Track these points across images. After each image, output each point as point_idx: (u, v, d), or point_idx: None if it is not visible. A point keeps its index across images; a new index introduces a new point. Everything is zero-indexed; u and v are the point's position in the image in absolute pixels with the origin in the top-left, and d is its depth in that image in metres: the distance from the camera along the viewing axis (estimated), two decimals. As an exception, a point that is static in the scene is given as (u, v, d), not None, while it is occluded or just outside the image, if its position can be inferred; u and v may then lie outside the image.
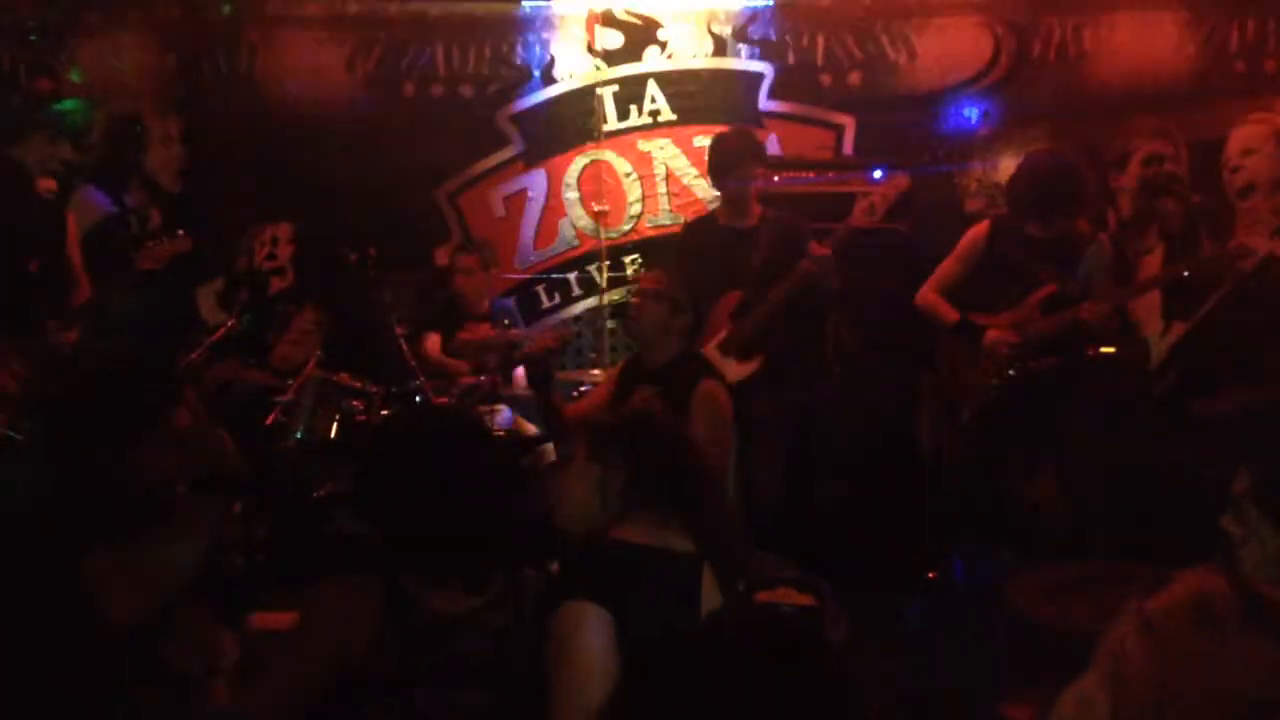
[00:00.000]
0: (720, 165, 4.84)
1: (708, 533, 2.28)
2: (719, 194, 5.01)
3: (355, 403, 4.70)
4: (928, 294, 4.69)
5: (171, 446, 2.53)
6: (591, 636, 2.08)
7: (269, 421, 4.57)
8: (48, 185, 5.54)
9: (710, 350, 4.52)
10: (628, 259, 6.00)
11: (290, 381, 4.64)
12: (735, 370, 4.47)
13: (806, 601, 2.29)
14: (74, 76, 5.83)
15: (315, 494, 4.48)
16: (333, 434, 4.64)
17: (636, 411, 2.49)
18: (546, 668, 2.10)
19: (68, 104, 5.82)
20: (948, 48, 5.78)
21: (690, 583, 2.23)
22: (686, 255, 4.90)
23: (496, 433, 4.86)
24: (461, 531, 2.16)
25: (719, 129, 5.56)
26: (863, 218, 4.47)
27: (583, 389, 4.96)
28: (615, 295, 5.91)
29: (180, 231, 4.54)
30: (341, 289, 5.41)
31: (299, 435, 4.61)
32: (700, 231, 4.98)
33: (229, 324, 4.71)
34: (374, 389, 4.77)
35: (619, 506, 2.28)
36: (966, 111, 5.72)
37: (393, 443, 2.36)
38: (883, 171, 5.01)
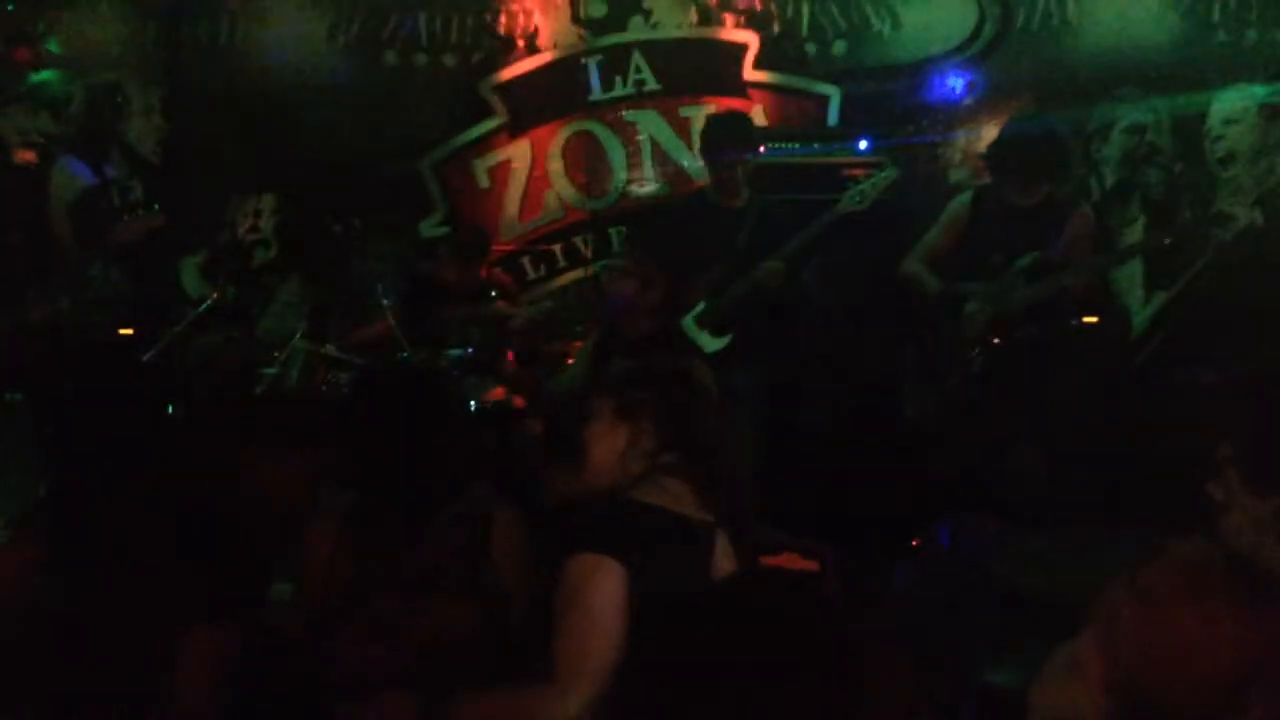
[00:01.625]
0: (712, 146, 4.79)
1: (724, 498, 2.31)
2: (706, 169, 4.99)
3: (341, 374, 4.70)
4: (911, 264, 4.71)
5: None
6: (604, 589, 2.11)
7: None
8: (27, 157, 5.50)
9: (688, 322, 4.55)
10: (613, 230, 6.00)
11: (276, 354, 4.63)
12: (706, 344, 4.50)
13: (810, 566, 2.32)
14: (52, 46, 5.77)
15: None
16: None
17: (675, 368, 2.49)
18: (555, 614, 2.14)
19: (46, 74, 5.76)
20: (932, 17, 5.78)
21: (705, 549, 2.27)
22: (673, 231, 4.88)
23: (484, 404, 4.88)
24: (396, 461, 2.46)
25: (704, 99, 5.58)
26: (851, 205, 4.47)
27: (569, 361, 4.98)
28: (601, 266, 5.92)
29: (155, 206, 4.52)
30: (325, 260, 5.39)
31: (286, 407, 4.60)
32: (688, 208, 4.97)
33: (213, 297, 4.69)
34: (359, 361, 4.77)
35: (641, 469, 2.30)
36: (951, 81, 5.72)
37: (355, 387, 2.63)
38: (869, 143, 5.02)
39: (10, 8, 5.69)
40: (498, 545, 2.47)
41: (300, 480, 2.63)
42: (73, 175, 5.30)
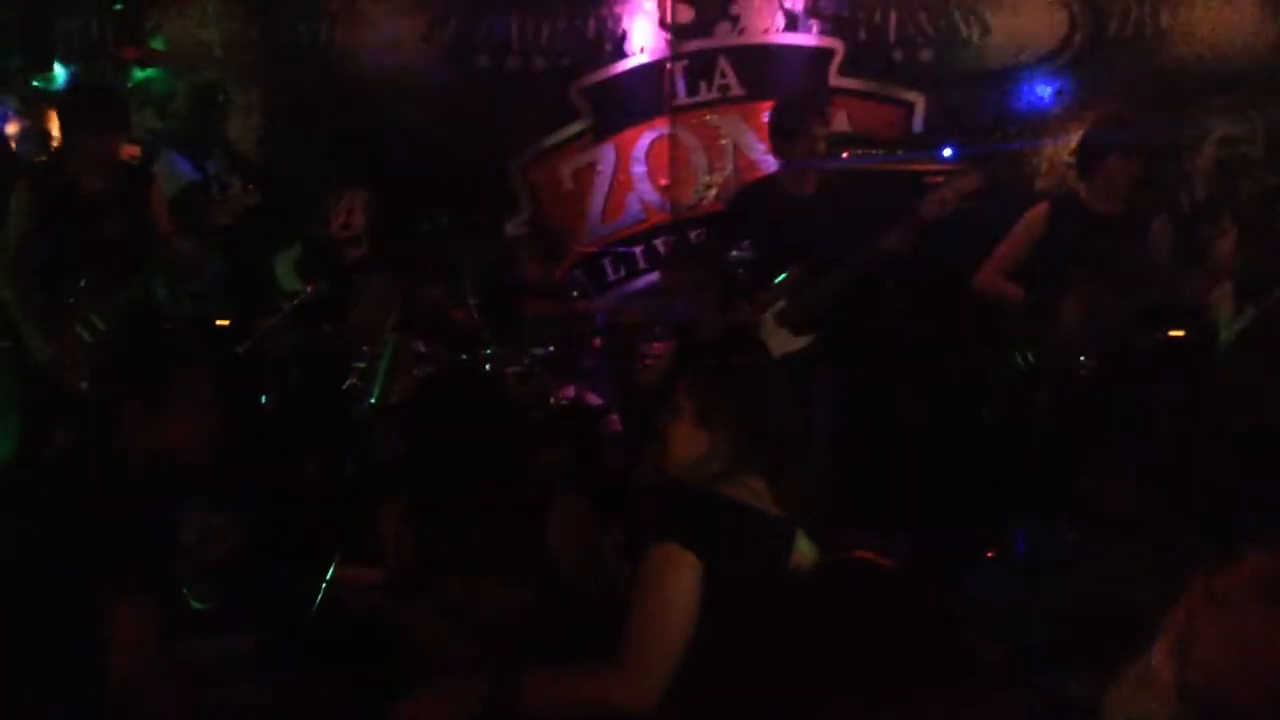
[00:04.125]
0: (782, 128, 4.79)
1: (802, 496, 2.36)
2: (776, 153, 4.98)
3: (428, 369, 4.80)
4: (988, 276, 4.69)
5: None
6: (680, 580, 2.17)
7: (344, 386, 4.69)
8: (131, 151, 5.70)
9: (768, 318, 4.58)
10: (694, 234, 6.05)
11: (366, 348, 4.75)
12: (786, 342, 4.51)
13: (885, 564, 2.36)
14: (158, 45, 5.98)
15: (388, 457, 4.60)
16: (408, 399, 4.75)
17: (748, 369, 2.55)
18: (630, 602, 2.21)
19: (152, 72, 5.97)
20: (1022, 24, 5.73)
21: (783, 545, 2.32)
22: (743, 219, 4.89)
23: (560, 402, 4.96)
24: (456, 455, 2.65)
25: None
26: (934, 211, 4.43)
27: (647, 362, 5.04)
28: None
29: (251, 186, 4.65)
30: (415, 257, 5.51)
31: (373, 400, 4.72)
32: (759, 196, 4.94)
33: (307, 290, 4.83)
34: (446, 356, 4.87)
35: (722, 469, 2.36)
36: (1040, 90, 5.68)
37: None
38: (953, 151, 5.00)
39: (118, 7, 5.91)
40: (556, 530, 2.56)
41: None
42: (175, 170, 5.49)
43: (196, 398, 2.54)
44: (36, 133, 5.52)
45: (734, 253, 4.60)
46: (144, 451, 2.45)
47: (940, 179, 4.69)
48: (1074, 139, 5.56)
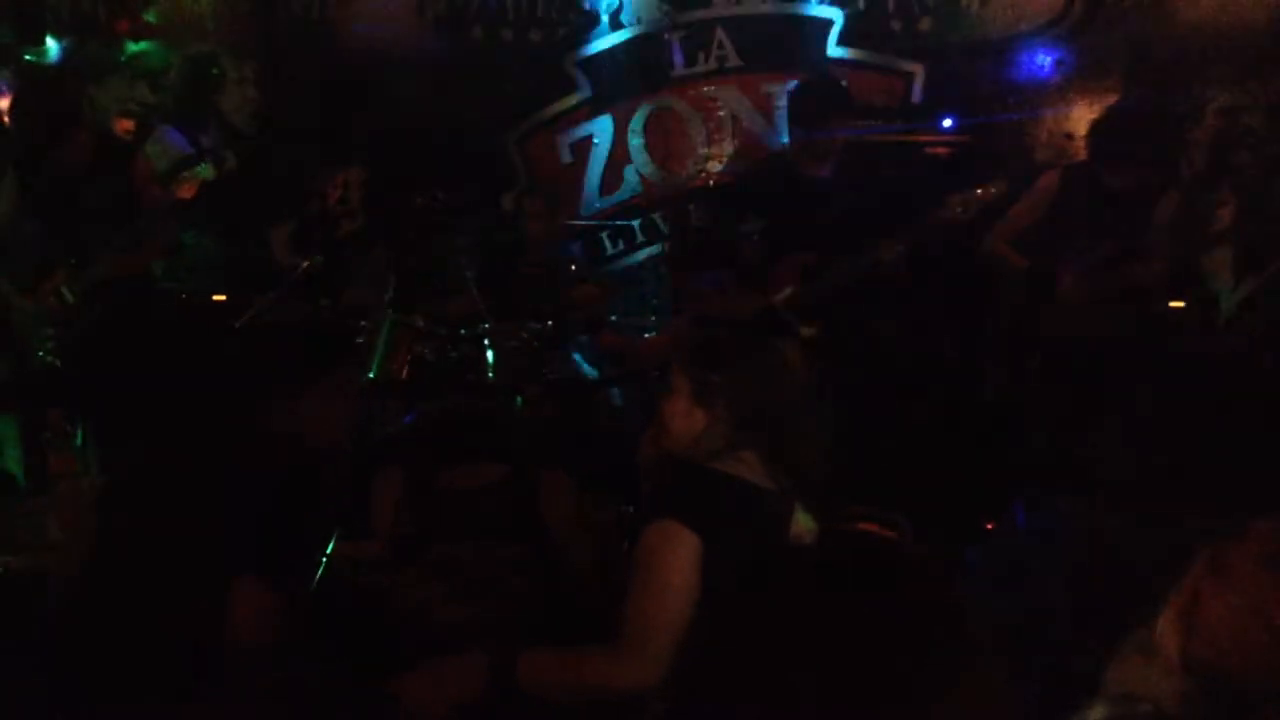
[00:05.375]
0: (805, 116, 4.66)
1: (800, 471, 2.35)
2: (788, 142, 4.92)
3: (426, 344, 4.79)
4: (996, 241, 4.67)
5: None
6: (678, 557, 2.17)
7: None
8: (125, 125, 5.67)
9: (778, 303, 4.54)
10: (692, 206, 6.01)
11: (363, 323, 4.73)
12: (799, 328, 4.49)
13: (889, 536, 2.35)
14: (151, 18, 5.93)
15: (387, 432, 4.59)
16: (404, 374, 4.74)
17: (744, 345, 2.53)
18: (628, 581, 2.21)
19: (145, 45, 5.92)
20: (1021, -7, 5.69)
21: (782, 521, 2.31)
22: (753, 197, 4.82)
23: (561, 375, 4.95)
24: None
25: (787, 76, 5.53)
26: (954, 215, 4.35)
27: (647, 335, 5.03)
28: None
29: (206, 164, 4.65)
30: (410, 232, 5.49)
31: (371, 375, 4.71)
32: (771, 175, 4.87)
33: (304, 265, 4.80)
34: (443, 331, 4.85)
35: (720, 445, 2.35)
36: (1040, 59, 5.64)
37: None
38: (953, 121, 4.95)
39: (112, -21, 5.86)
40: (545, 504, 2.59)
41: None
42: (168, 144, 5.45)
43: (345, 385, 2.62)
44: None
45: (742, 230, 4.54)
46: (288, 435, 2.48)
47: (942, 151, 4.65)
48: (1074, 110, 5.54)
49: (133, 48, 5.89)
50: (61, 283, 4.44)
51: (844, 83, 4.99)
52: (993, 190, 4.37)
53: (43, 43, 5.77)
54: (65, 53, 5.76)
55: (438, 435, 2.73)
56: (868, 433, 4.69)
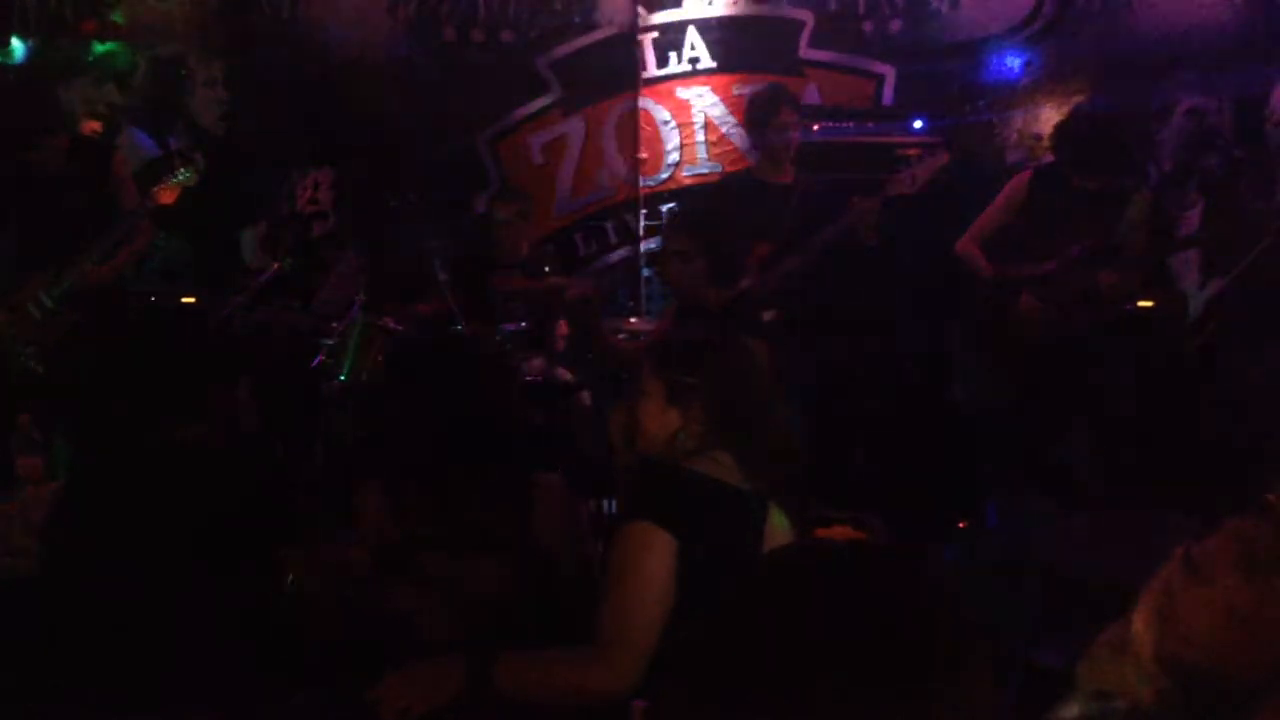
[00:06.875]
0: (755, 118, 4.88)
1: (774, 472, 2.35)
2: (753, 144, 5.03)
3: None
4: (967, 243, 4.71)
5: None
6: (655, 559, 2.16)
7: (314, 364, 4.65)
8: (93, 127, 5.61)
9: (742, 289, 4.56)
10: (665, 207, 6.02)
11: (335, 325, 4.71)
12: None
13: (861, 538, 2.36)
14: (118, 18, 5.87)
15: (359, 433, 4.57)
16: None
17: (713, 345, 2.52)
18: (604, 581, 2.20)
19: (112, 46, 5.86)
20: (991, -4, 5.73)
21: (757, 521, 2.31)
22: (722, 210, 4.91)
23: (532, 379, 4.93)
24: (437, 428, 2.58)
25: (759, 77, 5.55)
26: (901, 188, 4.45)
27: (620, 336, 5.01)
28: (652, 244, 5.94)
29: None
30: (382, 233, 5.46)
31: (343, 377, 4.69)
32: (736, 187, 5.01)
33: (274, 267, 4.78)
34: (415, 334, 4.84)
35: (694, 446, 2.34)
36: (1009, 61, 5.68)
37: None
38: (924, 123, 4.99)
39: (78, -20, 5.79)
40: (540, 511, 2.54)
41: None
42: (137, 146, 5.41)
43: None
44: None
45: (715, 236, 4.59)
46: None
47: (913, 153, 4.69)
48: (1044, 111, 5.58)
49: (100, 48, 5.83)
50: (39, 289, 4.36)
51: (796, 83, 5.10)
52: (939, 160, 4.44)
53: (9, 44, 5.70)
54: (31, 53, 5.68)
55: (421, 441, 2.67)
56: (828, 420, 4.73)
